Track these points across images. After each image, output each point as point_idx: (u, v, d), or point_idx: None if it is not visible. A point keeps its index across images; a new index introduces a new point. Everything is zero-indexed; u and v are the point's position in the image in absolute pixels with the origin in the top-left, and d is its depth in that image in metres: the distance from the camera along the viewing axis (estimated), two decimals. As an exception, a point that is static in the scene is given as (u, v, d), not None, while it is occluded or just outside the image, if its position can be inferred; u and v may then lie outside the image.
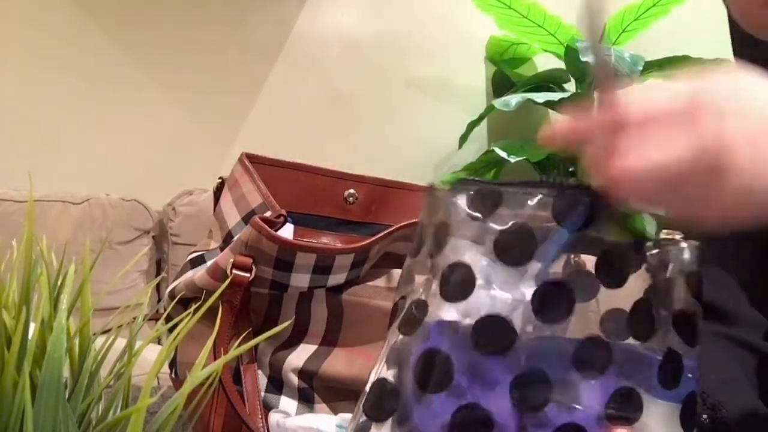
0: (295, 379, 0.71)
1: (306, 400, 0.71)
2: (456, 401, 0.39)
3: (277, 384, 0.72)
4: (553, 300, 0.39)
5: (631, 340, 0.40)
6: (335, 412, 0.71)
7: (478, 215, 0.40)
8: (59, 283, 0.45)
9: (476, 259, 0.40)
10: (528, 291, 0.39)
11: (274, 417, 0.66)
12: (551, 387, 0.39)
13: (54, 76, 2.68)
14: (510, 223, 0.40)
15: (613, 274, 0.40)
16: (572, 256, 0.40)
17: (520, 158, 2.31)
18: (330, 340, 0.73)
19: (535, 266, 0.39)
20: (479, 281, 0.39)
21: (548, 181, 0.40)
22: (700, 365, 0.42)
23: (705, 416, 0.53)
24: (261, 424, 0.66)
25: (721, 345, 0.63)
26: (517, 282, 0.39)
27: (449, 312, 0.39)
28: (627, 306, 0.40)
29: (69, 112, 2.68)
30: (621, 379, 0.40)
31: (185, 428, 0.71)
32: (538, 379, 0.39)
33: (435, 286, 0.41)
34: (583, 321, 0.40)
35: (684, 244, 0.43)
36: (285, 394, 0.71)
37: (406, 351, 0.41)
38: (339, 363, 0.71)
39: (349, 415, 0.59)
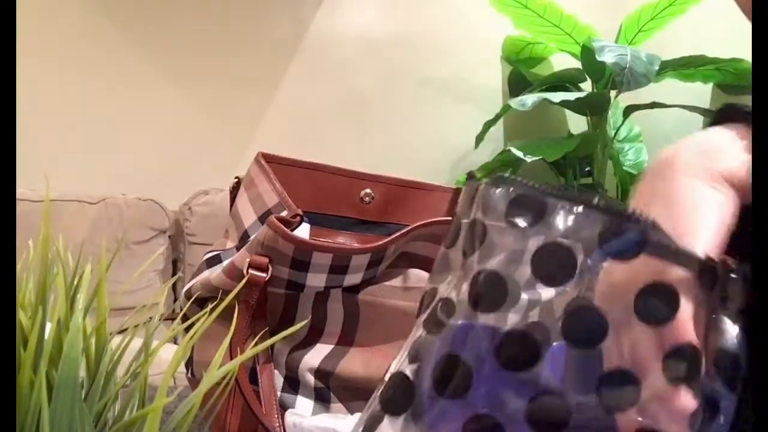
0: (311, 379, 0.71)
1: (322, 399, 0.71)
2: (470, 410, 0.38)
3: (293, 384, 0.71)
4: (584, 323, 0.37)
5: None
6: (351, 411, 0.71)
7: (518, 224, 0.38)
8: (75, 283, 0.45)
9: (510, 270, 0.38)
10: (559, 311, 0.37)
11: (290, 417, 0.66)
12: (569, 412, 0.37)
13: (70, 77, 2.69)
14: (550, 240, 0.38)
15: (652, 310, 0.37)
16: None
17: (537, 158, 2.31)
18: (346, 340, 0.73)
19: (571, 288, 0.37)
20: (511, 294, 0.38)
21: (598, 197, 0.38)
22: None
23: None
24: (277, 424, 0.66)
25: None
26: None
27: (476, 319, 0.38)
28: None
29: (85, 112, 2.70)
30: (646, 419, 0.38)
31: (201, 428, 0.71)
32: (556, 402, 0.37)
33: (465, 288, 0.39)
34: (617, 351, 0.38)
35: (734, 275, 0.37)
36: (301, 394, 0.71)
37: (427, 350, 0.40)
38: (355, 363, 0.71)
39: (365, 416, 0.59)
